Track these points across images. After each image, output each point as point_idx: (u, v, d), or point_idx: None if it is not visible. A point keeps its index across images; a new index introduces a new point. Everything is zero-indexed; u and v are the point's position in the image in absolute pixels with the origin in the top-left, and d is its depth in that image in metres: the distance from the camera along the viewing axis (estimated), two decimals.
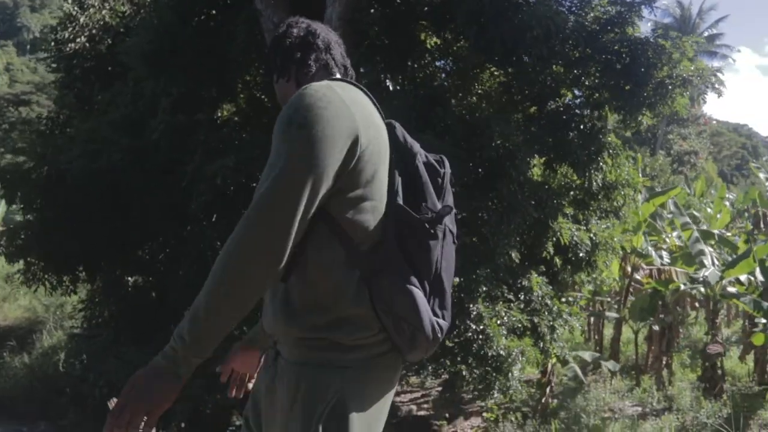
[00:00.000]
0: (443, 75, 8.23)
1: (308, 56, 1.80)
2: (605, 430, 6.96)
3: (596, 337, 11.05)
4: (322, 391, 1.56)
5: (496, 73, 7.91)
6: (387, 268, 1.59)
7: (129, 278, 7.00)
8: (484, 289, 5.98)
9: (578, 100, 6.70)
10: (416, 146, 1.75)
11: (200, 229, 6.20)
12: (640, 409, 8.07)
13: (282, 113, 1.54)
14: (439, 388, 9.25)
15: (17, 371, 13.83)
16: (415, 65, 7.28)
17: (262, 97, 8.63)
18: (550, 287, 6.57)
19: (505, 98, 7.72)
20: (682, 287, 8.76)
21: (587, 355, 8.31)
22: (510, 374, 5.65)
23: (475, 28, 6.03)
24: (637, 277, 9.24)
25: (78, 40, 9.51)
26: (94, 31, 9.72)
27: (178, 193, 6.58)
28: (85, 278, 7.13)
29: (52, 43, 9.77)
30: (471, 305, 5.84)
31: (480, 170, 6.32)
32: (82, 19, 9.73)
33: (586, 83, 6.65)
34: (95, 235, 6.57)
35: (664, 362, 8.80)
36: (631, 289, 9.76)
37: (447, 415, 8.22)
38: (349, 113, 1.54)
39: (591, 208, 7.65)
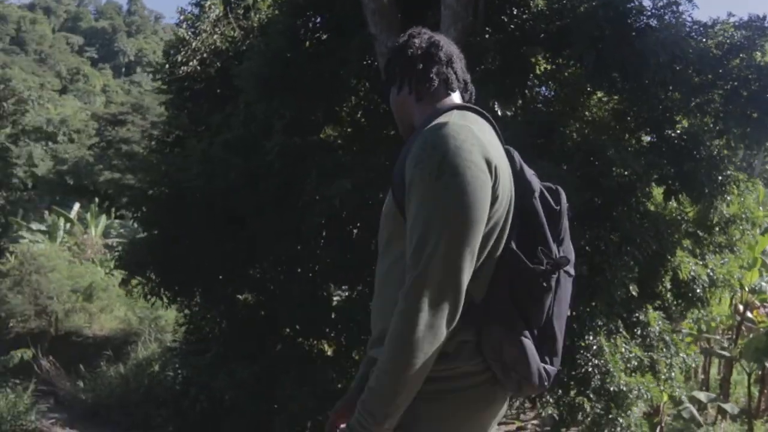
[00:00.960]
0: (546, 101, 8.12)
1: (430, 69, 1.71)
2: None
3: (702, 376, 10.52)
4: (445, 419, 1.53)
5: (604, 99, 7.74)
6: (497, 317, 1.52)
7: (239, 296, 7.15)
8: (600, 323, 5.80)
9: (704, 127, 6.44)
10: (534, 181, 1.66)
11: (312, 250, 6.29)
12: None
13: (425, 154, 1.46)
14: (535, 422, 9.01)
15: (112, 380, 14.41)
16: (525, 91, 7.22)
17: (363, 120, 8.75)
18: (668, 323, 6.31)
19: (616, 125, 7.54)
20: None
21: (702, 396, 7.92)
22: (630, 412, 5.43)
23: (594, 54, 5.92)
24: (749, 315, 8.78)
25: (191, 63, 9.93)
26: (205, 55, 10.13)
27: (290, 214, 6.71)
28: (199, 294, 7.33)
29: (166, 66, 10.20)
30: (590, 338, 5.67)
31: (597, 199, 6.17)
32: (194, 44, 10.15)
33: (709, 110, 6.40)
34: (210, 252, 6.77)
35: None
36: (743, 328, 9.27)
37: None
38: (489, 147, 1.49)
39: (705, 242, 7.33)
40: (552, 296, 1.57)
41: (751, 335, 8.99)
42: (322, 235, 6.22)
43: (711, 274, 6.67)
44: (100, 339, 17.63)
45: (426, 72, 1.71)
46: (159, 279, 6.93)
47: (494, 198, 1.47)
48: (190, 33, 10.20)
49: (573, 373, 5.65)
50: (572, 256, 1.67)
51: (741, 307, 8.72)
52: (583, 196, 6.01)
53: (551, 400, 5.57)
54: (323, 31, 7.91)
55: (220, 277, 6.97)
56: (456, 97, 1.75)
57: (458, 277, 1.40)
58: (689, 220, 7.18)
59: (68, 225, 20.53)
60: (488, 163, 1.46)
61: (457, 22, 6.80)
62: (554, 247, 1.59)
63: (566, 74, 7.54)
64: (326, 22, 7.80)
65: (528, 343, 1.54)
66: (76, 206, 21.88)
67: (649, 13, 6.15)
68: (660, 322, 6.21)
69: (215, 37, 10.14)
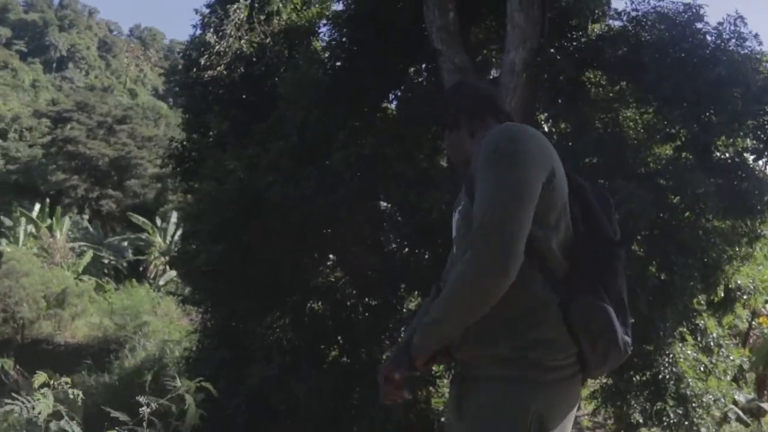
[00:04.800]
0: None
1: (480, 108, 1.97)
2: None
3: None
4: (525, 408, 1.66)
5: (635, 117, 8.18)
6: (582, 289, 1.71)
7: (308, 305, 7.16)
8: (671, 328, 6.22)
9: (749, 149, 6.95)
10: (586, 183, 1.90)
11: (400, 260, 6.42)
12: None
13: (486, 144, 1.72)
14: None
15: (94, 390, 13.79)
16: (582, 112, 7.57)
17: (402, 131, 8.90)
18: (724, 329, 6.81)
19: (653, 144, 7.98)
20: None
21: (741, 397, 8.53)
22: (708, 414, 5.86)
23: (671, 83, 6.29)
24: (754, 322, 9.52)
25: (218, 68, 9.85)
26: (229, 60, 10.05)
27: (366, 222, 6.84)
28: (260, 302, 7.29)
29: (194, 69, 10.08)
30: (662, 344, 6.08)
31: (663, 215, 6.60)
32: (217, 48, 10.06)
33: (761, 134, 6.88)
34: (284, 260, 6.81)
35: None
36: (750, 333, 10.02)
37: None
38: (545, 144, 1.75)
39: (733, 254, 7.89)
40: (623, 267, 1.82)
41: (752, 339, 9.77)
42: (411, 246, 6.35)
43: (753, 282, 7.22)
44: (73, 347, 16.89)
45: (477, 110, 1.97)
46: (229, 288, 6.87)
47: (554, 181, 1.70)
48: (215, 38, 10.09)
49: (649, 378, 6.04)
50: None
51: (749, 315, 9.43)
52: (655, 213, 6.44)
53: (636, 407, 5.93)
54: (381, 45, 8.01)
55: (291, 285, 6.98)
56: None
57: (515, 232, 1.60)
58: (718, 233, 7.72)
59: (30, 227, 19.64)
60: (545, 151, 1.72)
61: (526, 41, 7.10)
62: (611, 230, 1.83)
63: (610, 95, 7.96)
64: (385, 36, 7.92)
65: (611, 309, 1.74)
66: (37, 207, 20.94)
67: (713, 46, 6.60)
68: (717, 329, 6.70)
69: (242, 41, 10.10)
